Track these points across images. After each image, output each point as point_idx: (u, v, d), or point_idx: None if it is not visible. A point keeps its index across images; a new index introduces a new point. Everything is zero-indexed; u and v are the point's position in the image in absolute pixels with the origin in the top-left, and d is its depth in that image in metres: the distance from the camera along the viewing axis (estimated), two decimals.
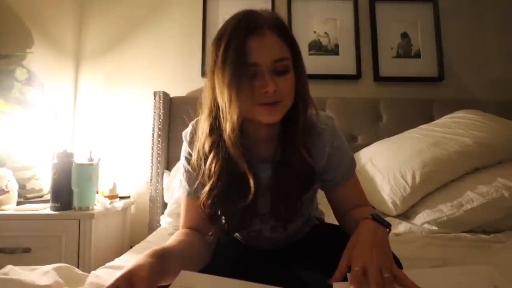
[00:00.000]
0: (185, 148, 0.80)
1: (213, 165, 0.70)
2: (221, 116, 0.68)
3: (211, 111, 0.71)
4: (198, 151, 0.73)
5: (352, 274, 0.53)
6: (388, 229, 0.64)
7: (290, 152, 0.71)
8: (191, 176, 0.75)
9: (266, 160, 0.75)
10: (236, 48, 0.63)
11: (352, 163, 0.81)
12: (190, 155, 0.76)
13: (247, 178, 0.70)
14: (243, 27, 0.65)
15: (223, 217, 0.71)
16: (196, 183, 0.73)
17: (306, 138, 0.73)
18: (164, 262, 0.58)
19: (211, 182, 0.70)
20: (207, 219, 0.72)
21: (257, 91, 0.65)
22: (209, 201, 0.70)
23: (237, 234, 0.88)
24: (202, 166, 0.72)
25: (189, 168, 0.76)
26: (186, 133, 0.80)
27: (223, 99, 0.66)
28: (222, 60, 0.65)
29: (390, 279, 0.51)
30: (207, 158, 0.71)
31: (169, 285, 0.55)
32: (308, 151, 0.72)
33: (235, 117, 0.65)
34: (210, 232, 0.73)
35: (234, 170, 0.69)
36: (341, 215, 0.81)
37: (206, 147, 0.71)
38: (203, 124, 0.73)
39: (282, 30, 0.68)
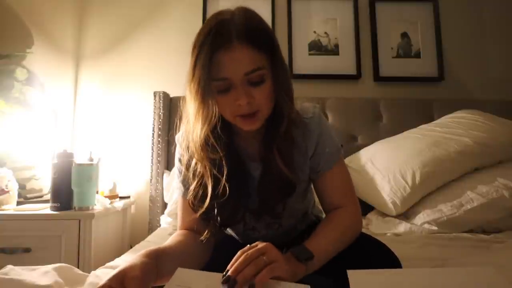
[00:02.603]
0: (178, 150, 0.81)
1: (198, 165, 0.72)
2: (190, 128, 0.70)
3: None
4: (188, 150, 0.75)
5: (240, 251, 0.56)
6: (303, 263, 0.61)
7: (268, 154, 0.72)
8: (185, 177, 0.77)
9: (256, 159, 0.76)
10: (202, 65, 0.62)
11: (336, 150, 0.79)
12: (183, 156, 0.78)
13: (234, 176, 0.71)
14: (211, 41, 0.62)
15: (215, 211, 0.72)
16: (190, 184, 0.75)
17: (289, 139, 0.72)
18: (159, 262, 0.58)
19: (194, 183, 0.72)
20: (200, 215, 0.73)
21: (232, 103, 0.65)
22: (195, 200, 0.72)
23: (233, 233, 0.89)
24: (191, 168, 0.73)
25: (183, 169, 0.77)
26: (179, 136, 0.81)
27: (190, 111, 0.68)
28: (192, 73, 0.65)
29: (262, 261, 0.53)
30: (192, 160, 0.73)
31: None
32: (289, 155, 0.72)
33: (198, 132, 0.67)
34: (206, 231, 0.74)
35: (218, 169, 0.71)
36: (326, 212, 0.81)
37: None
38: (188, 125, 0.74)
39: (255, 36, 0.64)
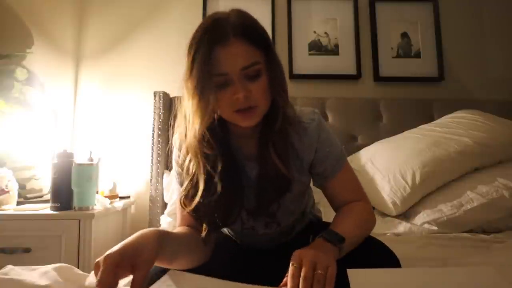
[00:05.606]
0: (175, 152, 0.82)
1: (191, 163, 0.72)
2: (187, 124, 0.70)
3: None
4: (180, 149, 0.76)
5: (290, 270, 0.54)
6: (337, 246, 0.63)
7: (264, 151, 0.72)
8: (182, 178, 0.77)
9: (252, 158, 0.76)
10: (200, 61, 0.64)
11: (341, 156, 0.80)
12: (179, 157, 0.78)
13: (228, 175, 0.71)
14: (208, 38, 0.65)
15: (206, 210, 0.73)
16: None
17: (284, 137, 0.73)
18: (164, 242, 0.58)
19: (187, 181, 0.72)
20: (193, 214, 0.74)
21: (230, 98, 0.66)
22: (186, 198, 0.72)
23: (232, 233, 0.89)
24: (184, 166, 0.74)
25: (180, 171, 0.77)
26: (175, 138, 0.82)
27: (188, 108, 0.68)
28: (190, 70, 0.66)
29: (322, 276, 0.51)
30: (186, 158, 0.74)
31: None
32: (284, 152, 0.72)
33: (197, 127, 0.67)
34: (204, 229, 0.74)
35: (212, 169, 0.71)
36: (336, 210, 0.82)
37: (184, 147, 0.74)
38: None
39: (251, 33, 0.67)
